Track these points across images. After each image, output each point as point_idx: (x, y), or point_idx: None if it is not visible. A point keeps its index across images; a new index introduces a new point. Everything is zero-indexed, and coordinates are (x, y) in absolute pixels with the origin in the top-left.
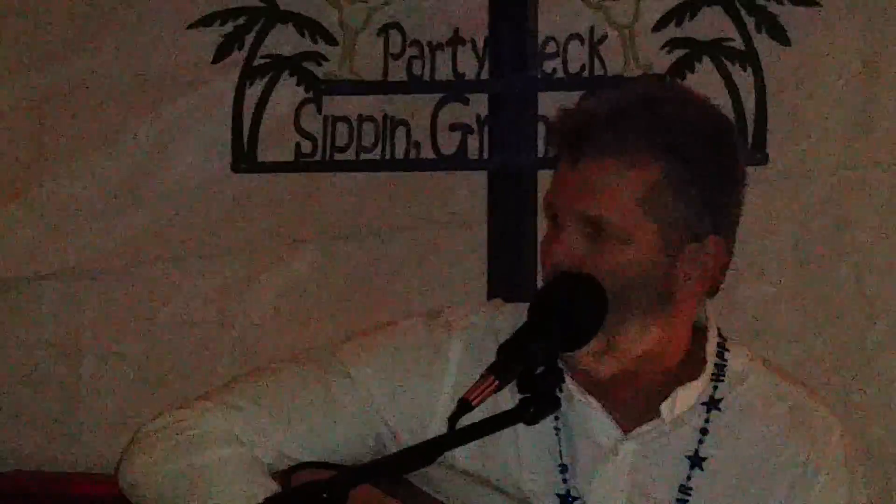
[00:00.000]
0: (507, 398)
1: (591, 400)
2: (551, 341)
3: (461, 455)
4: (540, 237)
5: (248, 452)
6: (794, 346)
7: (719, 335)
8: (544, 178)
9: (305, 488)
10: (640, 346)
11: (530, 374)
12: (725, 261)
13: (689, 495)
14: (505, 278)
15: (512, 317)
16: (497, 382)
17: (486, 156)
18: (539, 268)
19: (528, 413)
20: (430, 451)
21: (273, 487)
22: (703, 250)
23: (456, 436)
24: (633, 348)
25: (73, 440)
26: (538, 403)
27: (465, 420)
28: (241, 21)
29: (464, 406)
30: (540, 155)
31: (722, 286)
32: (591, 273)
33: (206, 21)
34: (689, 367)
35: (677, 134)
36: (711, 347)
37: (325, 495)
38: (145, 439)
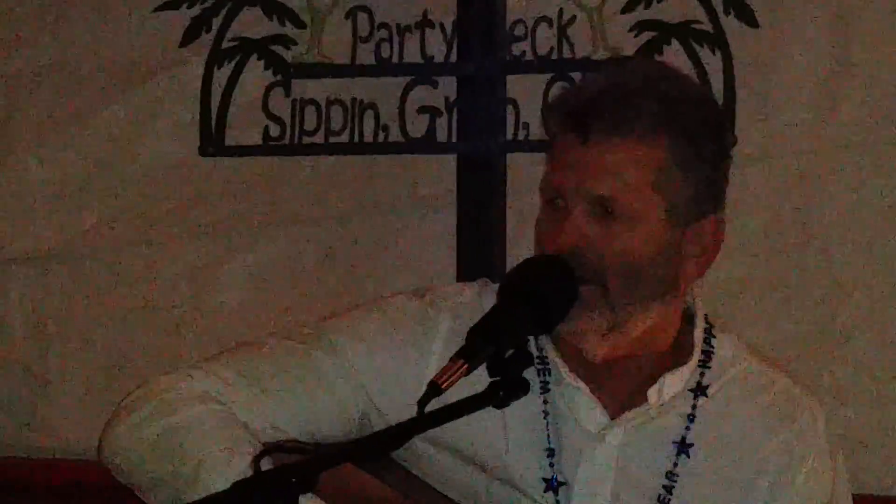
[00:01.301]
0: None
1: (581, 384)
2: (520, 324)
3: (448, 435)
4: (510, 219)
5: (225, 409)
6: (764, 328)
7: (706, 321)
8: (513, 161)
9: (274, 472)
10: (643, 326)
11: (500, 357)
12: (722, 240)
13: (676, 481)
14: (474, 261)
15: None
16: (466, 366)
17: (454, 139)
18: (508, 250)
19: (497, 397)
20: (397, 435)
21: (251, 440)
22: (704, 229)
23: (424, 419)
24: (635, 328)
25: (42, 426)
26: (507, 387)
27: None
28: (208, 4)
29: (433, 389)
30: (509, 137)
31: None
32: (600, 254)
33: (173, 4)
34: (676, 353)
35: (683, 113)
36: (699, 333)
37: (294, 479)
38: (125, 409)
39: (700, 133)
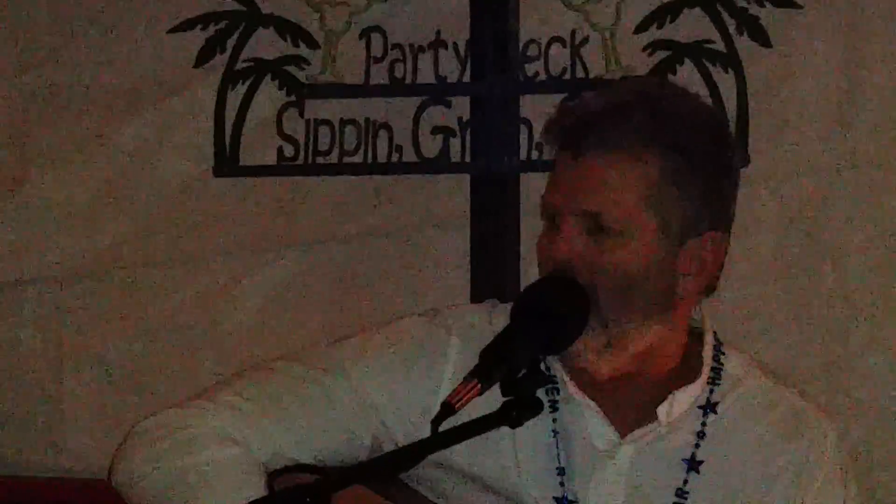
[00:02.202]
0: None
1: (590, 402)
2: (533, 345)
3: (458, 456)
4: (523, 240)
5: (245, 453)
6: (777, 346)
7: (715, 338)
8: (527, 180)
9: (288, 493)
10: (641, 342)
11: (513, 377)
12: (722, 257)
13: (686, 499)
14: (488, 281)
15: (509, 317)
16: (479, 386)
17: (468, 159)
18: (522, 270)
19: (510, 416)
20: (410, 454)
21: (266, 484)
22: (701, 246)
23: (438, 439)
24: (633, 345)
25: (56, 445)
26: (521, 407)
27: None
28: (222, 25)
29: (446, 409)
30: (523, 157)
31: (718, 284)
32: (592, 269)
33: (187, 25)
34: (685, 371)
35: (677, 129)
36: (708, 350)
37: (308, 499)
38: (143, 437)
39: (697, 150)
